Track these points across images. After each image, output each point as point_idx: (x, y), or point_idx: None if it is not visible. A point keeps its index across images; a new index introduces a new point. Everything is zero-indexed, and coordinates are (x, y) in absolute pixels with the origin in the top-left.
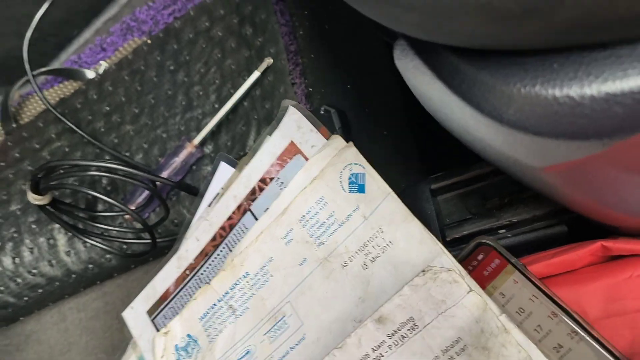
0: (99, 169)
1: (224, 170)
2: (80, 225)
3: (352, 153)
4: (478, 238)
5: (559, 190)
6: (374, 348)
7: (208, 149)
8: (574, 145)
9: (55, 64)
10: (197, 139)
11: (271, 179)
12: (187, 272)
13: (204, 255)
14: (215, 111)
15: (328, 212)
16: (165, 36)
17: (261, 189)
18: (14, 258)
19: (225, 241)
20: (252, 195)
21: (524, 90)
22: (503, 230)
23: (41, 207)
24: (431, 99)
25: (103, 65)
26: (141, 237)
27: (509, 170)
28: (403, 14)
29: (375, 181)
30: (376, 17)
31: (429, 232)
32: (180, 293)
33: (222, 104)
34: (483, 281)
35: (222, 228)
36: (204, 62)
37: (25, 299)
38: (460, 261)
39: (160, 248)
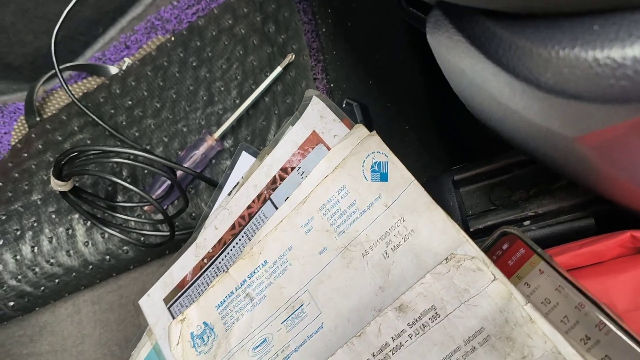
0: (121, 155)
1: (245, 160)
2: (100, 216)
3: (375, 141)
4: (502, 227)
5: (591, 168)
6: (394, 337)
7: (228, 143)
8: (613, 109)
9: (80, 61)
10: (218, 133)
11: (292, 168)
12: (205, 260)
13: (223, 243)
14: (236, 106)
15: (349, 200)
16: (188, 33)
17: (282, 178)
18: (32, 247)
19: (244, 230)
20: (273, 184)
21: (562, 52)
22: (528, 222)
23: (62, 194)
24: (463, 72)
25: (127, 62)
26: (159, 229)
27: (539, 151)
28: None
29: (397, 169)
30: None
31: (452, 221)
32: (198, 281)
33: (243, 99)
34: (507, 271)
35: (242, 217)
36: (226, 58)
37: (42, 288)
38: (485, 251)
39: (177, 241)
